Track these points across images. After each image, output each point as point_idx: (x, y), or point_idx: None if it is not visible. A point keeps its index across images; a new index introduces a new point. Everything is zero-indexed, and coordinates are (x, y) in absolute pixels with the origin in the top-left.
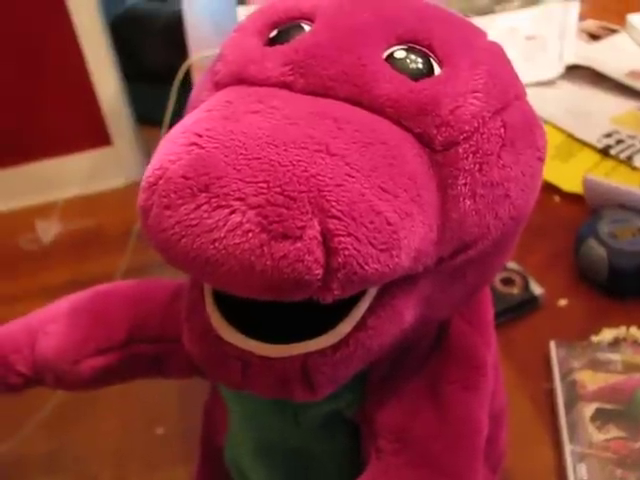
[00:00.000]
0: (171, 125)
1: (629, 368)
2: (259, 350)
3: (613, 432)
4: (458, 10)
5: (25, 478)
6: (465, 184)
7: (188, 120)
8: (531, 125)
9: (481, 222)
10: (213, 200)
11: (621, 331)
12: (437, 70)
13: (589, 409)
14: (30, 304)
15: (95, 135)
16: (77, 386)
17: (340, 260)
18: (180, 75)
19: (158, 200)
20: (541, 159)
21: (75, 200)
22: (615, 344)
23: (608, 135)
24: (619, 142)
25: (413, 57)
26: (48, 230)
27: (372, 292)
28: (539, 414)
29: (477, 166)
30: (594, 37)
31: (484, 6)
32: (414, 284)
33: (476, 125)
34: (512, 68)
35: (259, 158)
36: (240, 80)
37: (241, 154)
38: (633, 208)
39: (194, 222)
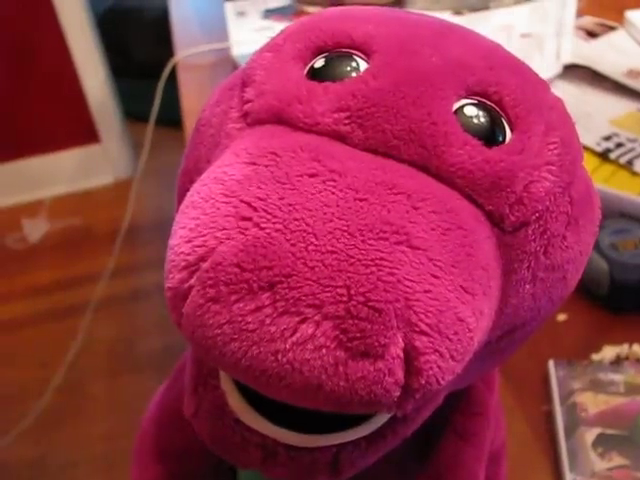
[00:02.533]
0: (158, 122)
1: (632, 390)
2: (286, 439)
3: (616, 460)
4: (451, 7)
5: None
6: (528, 267)
7: (224, 168)
8: (591, 197)
9: (535, 306)
10: (279, 304)
11: (623, 349)
12: (508, 134)
13: (591, 434)
14: (17, 304)
15: (83, 132)
16: None
17: (423, 382)
18: (166, 73)
19: (202, 289)
20: (595, 235)
21: (63, 198)
22: (617, 363)
23: (607, 138)
24: (619, 145)
25: (485, 116)
26: (35, 229)
27: None
28: (537, 439)
29: (543, 249)
30: (592, 35)
31: (478, 2)
32: None
33: (548, 203)
34: (576, 130)
35: (335, 252)
36: (281, 120)
37: (311, 244)
38: (635, 217)
39: (251, 327)
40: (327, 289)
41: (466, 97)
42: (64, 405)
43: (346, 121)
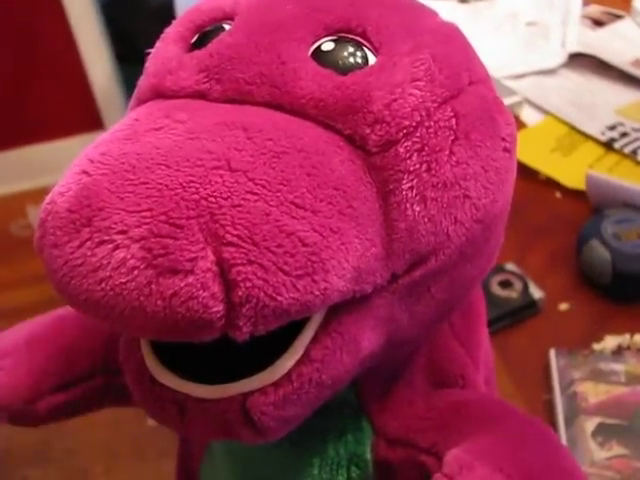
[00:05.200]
0: None
1: (633, 379)
2: (194, 392)
3: (616, 449)
4: None
5: (15, 470)
6: (411, 187)
7: (92, 143)
8: (491, 112)
9: (437, 229)
10: (95, 235)
11: (625, 339)
12: (372, 60)
13: (590, 424)
14: (22, 291)
15: (87, 119)
16: (31, 424)
17: (241, 293)
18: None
19: (47, 238)
20: (508, 150)
21: None
22: (618, 353)
23: (612, 127)
24: (623, 135)
25: (343, 48)
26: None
27: (316, 320)
28: None
29: (424, 166)
30: (598, 23)
31: None
32: (367, 307)
33: (419, 119)
34: (469, 49)
35: (146, 183)
36: (159, 94)
37: (128, 180)
38: (639, 207)
39: (79, 261)
40: (132, 214)
41: (326, 36)
42: None
43: (205, 79)
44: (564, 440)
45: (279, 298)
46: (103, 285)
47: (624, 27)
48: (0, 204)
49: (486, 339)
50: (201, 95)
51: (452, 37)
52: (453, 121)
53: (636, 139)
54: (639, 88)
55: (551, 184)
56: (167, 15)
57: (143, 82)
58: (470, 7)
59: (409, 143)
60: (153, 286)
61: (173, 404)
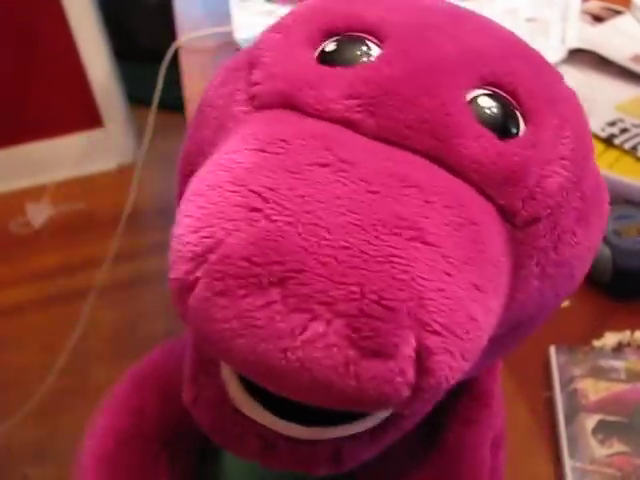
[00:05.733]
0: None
1: (633, 377)
2: (286, 431)
3: (616, 447)
4: None
5: (14, 467)
6: (537, 264)
7: (232, 155)
8: (601, 192)
9: (541, 302)
10: (290, 300)
11: (625, 336)
12: (522, 126)
13: (591, 421)
14: (21, 288)
15: (86, 117)
16: None
17: (433, 382)
18: (168, 57)
19: (209, 282)
20: (603, 230)
21: (66, 183)
22: (619, 350)
23: (612, 123)
24: (623, 131)
25: (499, 108)
26: (39, 213)
27: None
28: (537, 425)
29: (553, 245)
30: (597, 19)
31: None
32: None
33: (560, 199)
34: (587, 122)
35: (348, 248)
36: (290, 104)
37: (323, 238)
38: (639, 203)
39: (260, 323)
40: (339, 286)
41: (480, 87)
42: (67, 389)
43: (358, 108)
44: (564, 438)
45: (451, 382)
46: (288, 355)
47: (624, 23)
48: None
49: None
50: (351, 125)
51: (582, 111)
52: (580, 203)
53: (636, 135)
54: (639, 84)
55: None
56: (166, 13)
57: (263, 81)
58: (469, 3)
59: (548, 222)
60: (351, 367)
61: (257, 438)
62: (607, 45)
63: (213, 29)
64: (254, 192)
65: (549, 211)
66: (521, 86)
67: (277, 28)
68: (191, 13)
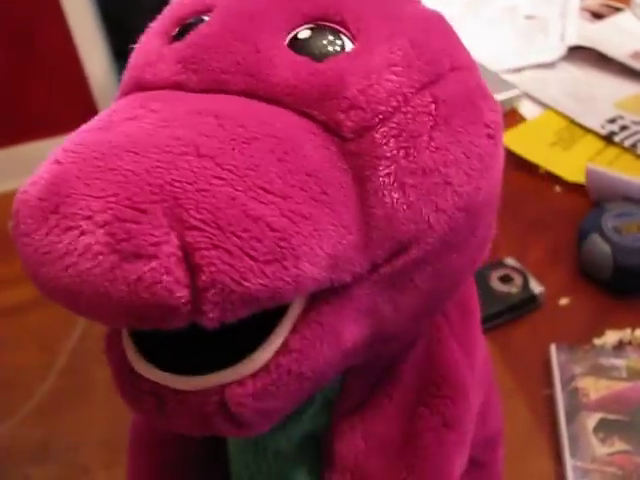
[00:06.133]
0: None
1: (634, 375)
2: (171, 383)
3: (617, 445)
4: None
5: (15, 467)
6: (388, 174)
7: (70, 135)
8: (474, 98)
9: (417, 217)
10: (62, 222)
11: (626, 334)
12: (349, 48)
13: (592, 420)
14: (20, 289)
15: (85, 115)
16: None
17: (205, 277)
18: None
19: (19, 227)
20: (492, 136)
21: None
22: (619, 348)
23: (612, 120)
24: (623, 128)
25: (320, 35)
26: None
27: (295, 311)
28: (538, 423)
29: (402, 152)
30: (597, 16)
31: None
32: (346, 297)
33: (395, 104)
34: (452, 36)
35: (113, 169)
36: (139, 86)
37: (96, 167)
38: (639, 200)
39: (47, 248)
40: (98, 200)
41: (304, 24)
42: (67, 389)
43: (181, 70)
44: (565, 436)
45: (246, 284)
46: (70, 271)
47: (623, 20)
48: (0, 201)
49: (482, 339)
50: (179, 86)
51: (433, 23)
52: (432, 107)
53: (636, 132)
54: (639, 81)
55: (551, 178)
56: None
57: (125, 76)
58: (469, 0)
59: (385, 129)
60: (117, 271)
61: (151, 396)
62: (607, 42)
63: None
64: (63, 149)
65: (381, 117)
66: (347, 13)
67: (144, 32)
68: None
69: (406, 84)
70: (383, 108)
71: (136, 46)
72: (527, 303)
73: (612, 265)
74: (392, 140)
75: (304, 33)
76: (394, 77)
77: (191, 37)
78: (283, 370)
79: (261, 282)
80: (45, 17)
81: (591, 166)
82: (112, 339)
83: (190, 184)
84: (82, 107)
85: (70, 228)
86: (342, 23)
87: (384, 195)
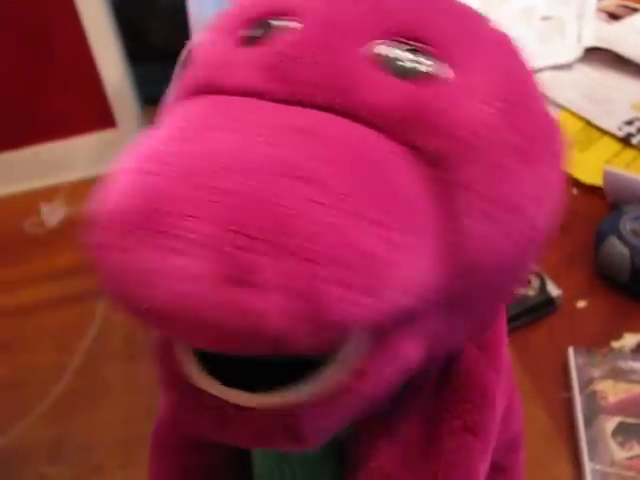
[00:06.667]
0: None
1: None
2: (237, 400)
3: (636, 449)
4: None
5: (30, 466)
6: (469, 202)
7: (145, 139)
8: (548, 129)
9: (488, 245)
10: (164, 241)
11: None
12: (436, 70)
13: (611, 423)
14: (35, 288)
15: (100, 117)
16: None
17: (307, 307)
18: (181, 58)
19: (105, 240)
20: (561, 169)
21: (80, 183)
22: (638, 351)
23: (629, 122)
24: None
25: (406, 54)
26: (53, 214)
27: (364, 332)
28: (556, 427)
29: (484, 181)
30: (614, 17)
31: None
32: (417, 319)
33: (484, 134)
34: (525, 61)
35: (217, 188)
36: (209, 88)
37: (195, 183)
38: None
39: (141, 266)
40: (204, 223)
41: (388, 39)
42: (81, 389)
43: (263, 78)
44: (584, 440)
45: (345, 314)
46: (168, 293)
47: None
48: (14, 202)
49: (506, 344)
50: (257, 94)
51: (511, 47)
52: (515, 138)
53: None
54: None
55: (568, 180)
56: (179, 14)
57: (189, 76)
58: (485, 1)
59: (471, 158)
60: (221, 297)
61: (212, 411)
62: (624, 43)
63: None
64: (146, 158)
65: (465, 146)
66: (434, 32)
67: (208, 27)
68: (204, 13)
69: (494, 114)
70: (471, 137)
71: (198, 43)
72: (544, 306)
73: (630, 268)
74: (476, 169)
75: (390, 50)
76: (485, 107)
77: (275, 44)
78: (348, 390)
79: (356, 311)
80: (60, 19)
81: (609, 168)
82: (164, 350)
83: (296, 210)
84: (97, 109)
85: (173, 249)
86: (429, 41)
87: (462, 222)
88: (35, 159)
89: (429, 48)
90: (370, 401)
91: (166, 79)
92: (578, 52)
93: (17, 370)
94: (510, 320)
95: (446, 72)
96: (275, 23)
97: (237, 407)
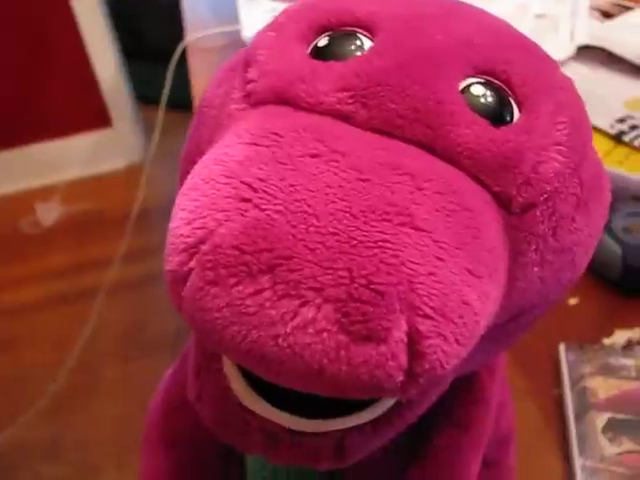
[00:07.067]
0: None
1: None
2: (288, 423)
3: (626, 445)
4: None
5: (26, 465)
6: (536, 250)
7: (225, 149)
8: (601, 180)
9: (543, 289)
10: (279, 287)
11: (635, 333)
12: (516, 114)
13: (601, 419)
14: (31, 287)
15: (95, 116)
16: None
17: (427, 366)
18: (176, 56)
19: (201, 271)
20: (605, 218)
21: (75, 182)
22: (629, 348)
23: (622, 120)
24: (633, 128)
25: (492, 95)
26: (48, 213)
27: None
28: (547, 423)
29: (551, 231)
30: (607, 15)
31: None
32: None
33: (557, 184)
34: (585, 110)
35: (336, 234)
36: (283, 100)
37: (312, 225)
38: None
39: (251, 310)
40: (328, 271)
41: (473, 76)
42: (78, 387)
43: (350, 100)
44: (574, 436)
45: (447, 367)
46: (279, 341)
47: (634, 19)
48: (9, 202)
49: None
50: (343, 117)
51: (579, 98)
52: (579, 189)
53: None
54: None
55: None
56: (173, 12)
57: (258, 78)
58: None
59: (544, 207)
60: (342, 352)
61: (260, 432)
62: (617, 41)
63: (221, 28)
64: (245, 183)
65: (545, 197)
66: (515, 74)
67: (271, 27)
68: (199, 12)
69: (566, 165)
70: (548, 188)
71: (262, 42)
72: None
73: (621, 265)
74: (547, 218)
75: (478, 89)
76: (560, 157)
77: (359, 65)
78: (401, 418)
79: (455, 363)
80: (55, 18)
81: None
82: (206, 364)
83: (420, 265)
84: (92, 108)
85: (290, 296)
86: (508, 83)
87: (528, 269)
88: (30, 158)
89: (509, 90)
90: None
91: (161, 78)
92: (571, 50)
93: (13, 369)
94: None
95: (527, 119)
96: (350, 36)
97: (288, 431)
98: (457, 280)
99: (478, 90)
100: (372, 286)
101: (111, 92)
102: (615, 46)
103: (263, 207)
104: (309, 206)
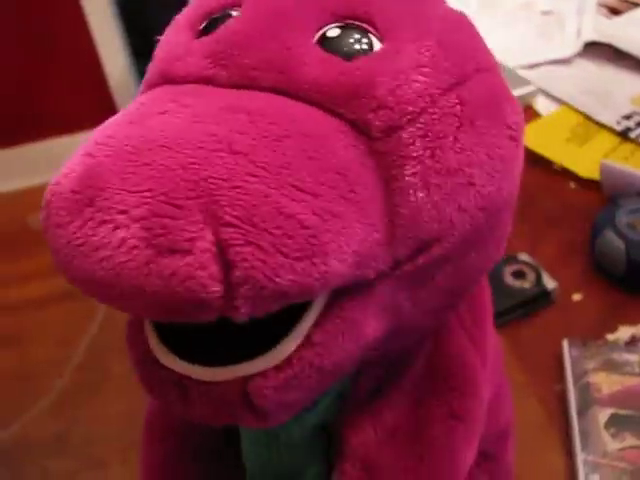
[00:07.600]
0: None
1: None
2: (195, 374)
3: (629, 440)
4: None
5: (32, 461)
6: (414, 173)
7: (99, 128)
8: (497, 100)
9: (441, 216)
10: (97, 215)
11: (638, 329)
12: (377, 47)
13: (603, 415)
14: (39, 284)
15: (104, 113)
16: None
17: (239, 273)
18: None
19: (51, 219)
20: (514, 138)
21: None
22: (632, 343)
23: (628, 117)
24: (639, 124)
25: (349, 35)
26: None
27: (318, 305)
28: (550, 418)
29: (428, 152)
30: (614, 11)
31: None
32: (369, 292)
33: (423, 105)
34: (477, 37)
35: (148, 164)
36: (167, 79)
37: (130, 161)
38: None
39: (81, 241)
40: (134, 195)
41: (333, 23)
42: (84, 383)
43: (210, 65)
44: (577, 431)
45: (277, 280)
46: (104, 264)
47: None
48: (18, 198)
49: (493, 334)
50: (208, 81)
51: (459, 25)
52: (458, 108)
53: None
54: None
55: (565, 174)
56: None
57: (151, 68)
58: None
59: (413, 129)
60: (152, 265)
61: (175, 386)
62: (623, 38)
63: None
64: (95, 142)
65: (409, 118)
66: (376, 12)
67: (170, 24)
68: None
69: (433, 85)
70: (411, 109)
71: (162, 38)
72: (540, 298)
73: (625, 261)
74: (419, 140)
75: (333, 32)
76: (422, 78)
77: (220, 32)
78: (305, 363)
79: (291, 278)
80: (65, 16)
81: (605, 161)
82: (133, 328)
83: (225, 181)
84: (101, 105)
85: (105, 222)
86: (371, 22)
87: (409, 194)
88: (39, 155)
89: (371, 28)
90: (333, 375)
91: None
92: (577, 47)
93: (20, 364)
94: (505, 312)
95: (384, 47)
96: (220, 14)
97: (196, 381)
98: (274, 193)
99: (333, 32)
100: (171, 201)
101: (120, 89)
102: (622, 42)
103: (96, 155)
104: (133, 147)
